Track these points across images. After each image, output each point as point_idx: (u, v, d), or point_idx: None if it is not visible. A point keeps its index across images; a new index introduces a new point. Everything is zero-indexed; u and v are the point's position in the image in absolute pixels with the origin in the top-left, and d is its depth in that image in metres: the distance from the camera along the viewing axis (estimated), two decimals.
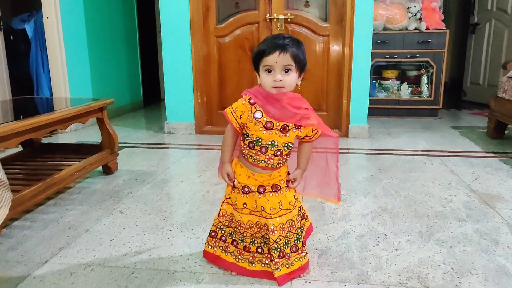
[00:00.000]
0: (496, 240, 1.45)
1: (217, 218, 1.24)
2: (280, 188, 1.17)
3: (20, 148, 2.26)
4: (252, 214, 1.17)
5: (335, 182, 1.22)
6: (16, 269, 1.30)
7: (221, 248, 1.26)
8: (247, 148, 1.13)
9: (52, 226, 1.63)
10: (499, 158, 2.53)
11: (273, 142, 1.10)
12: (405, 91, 4.04)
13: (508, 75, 2.86)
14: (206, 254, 1.30)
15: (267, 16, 3.14)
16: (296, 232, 1.19)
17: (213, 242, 1.27)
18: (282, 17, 3.11)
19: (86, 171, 2.06)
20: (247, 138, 1.13)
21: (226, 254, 1.25)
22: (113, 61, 4.21)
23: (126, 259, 1.36)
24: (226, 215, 1.22)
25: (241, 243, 1.21)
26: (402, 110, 4.04)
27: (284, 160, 1.15)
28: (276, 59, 1.04)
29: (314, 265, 1.30)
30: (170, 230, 1.59)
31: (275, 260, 1.16)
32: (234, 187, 1.18)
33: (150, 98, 5.17)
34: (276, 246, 1.15)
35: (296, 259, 1.20)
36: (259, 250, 1.21)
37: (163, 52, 3.26)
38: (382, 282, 1.20)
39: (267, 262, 1.20)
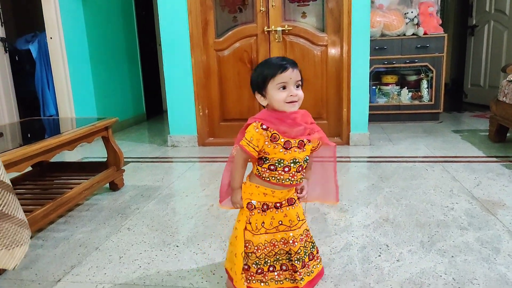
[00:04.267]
0: (497, 249, 1.48)
1: (243, 249, 1.18)
2: (295, 201, 1.20)
3: (29, 168, 2.32)
4: (268, 233, 1.18)
5: (334, 185, 1.25)
6: None
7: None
8: (268, 171, 1.13)
9: (63, 244, 1.68)
10: (501, 162, 2.55)
11: (294, 160, 1.12)
12: (405, 96, 4.07)
13: (508, 79, 2.89)
14: None
15: (265, 28, 3.19)
16: (311, 240, 1.24)
17: (248, 275, 1.21)
18: (280, 29, 3.16)
19: (94, 189, 2.11)
20: (266, 162, 1.13)
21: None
22: (116, 76, 4.28)
23: (135, 276, 1.41)
24: (246, 241, 1.19)
25: (254, 266, 1.20)
26: (403, 115, 4.07)
27: (304, 174, 1.17)
28: (291, 75, 1.08)
29: None
30: (177, 246, 1.63)
31: (299, 270, 1.19)
32: (254, 207, 1.17)
33: (153, 110, 5.24)
34: (298, 257, 1.18)
35: (314, 266, 1.24)
36: (271, 269, 1.21)
37: (164, 67, 3.32)
38: None
39: (279, 279, 1.22)
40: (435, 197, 2.01)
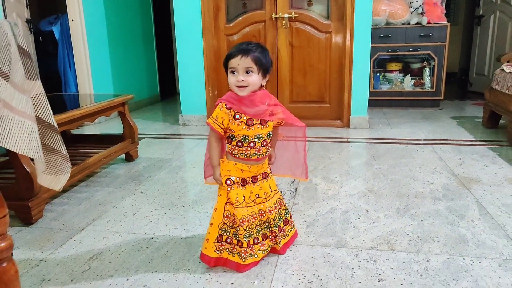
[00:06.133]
0: (463, 215, 1.68)
1: (222, 221, 1.29)
2: (268, 174, 1.37)
3: None
4: (248, 207, 1.28)
5: (303, 164, 1.41)
6: (59, 234, 1.61)
7: (227, 250, 1.31)
8: (236, 147, 1.25)
9: (85, 202, 1.93)
10: (488, 146, 2.71)
11: (258, 135, 1.24)
12: (408, 83, 4.21)
13: (501, 68, 3.02)
14: (208, 260, 1.31)
15: (273, 15, 3.37)
16: (284, 208, 1.42)
17: (220, 246, 1.30)
18: (287, 15, 3.33)
19: (111, 158, 2.36)
20: (234, 139, 1.25)
21: (233, 255, 1.30)
22: (132, 58, 4.52)
23: (147, 228, 1.65)
24: (229, 215, 1.28)
25: (245, 240, 1.28)
26: (405, 101, 4.22)
27: (269, 148, 1.33)
28: (238, 61, 1.18)
29: (302, 233, 1.56)
30: (183, 206, 1.86)
31: (278, 235, 1.37)
32: (233, 183, 1.27)
33: (167, 92, 5.48)
34: (275, 223, 1.36)
35: (289, 230, 1.43)
36: (255, 241, 1.31)
37: (177, 50, 3.53)
38: (356, 246, 1.45)
39: (264, 248, 1.34)
40: (419, 174, 2.20)
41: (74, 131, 2.96)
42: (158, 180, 2.24)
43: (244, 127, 1.23)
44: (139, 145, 2.68)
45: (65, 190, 2.08)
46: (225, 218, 1.29)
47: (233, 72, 1.21)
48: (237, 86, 1.21)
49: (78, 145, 2.57)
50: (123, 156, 2.57)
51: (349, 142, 3.00)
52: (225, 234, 1.30)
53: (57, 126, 0.84)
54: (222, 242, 1.30)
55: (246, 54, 1.19)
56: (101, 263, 1.39)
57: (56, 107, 2.39)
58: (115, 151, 2.38)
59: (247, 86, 1.20)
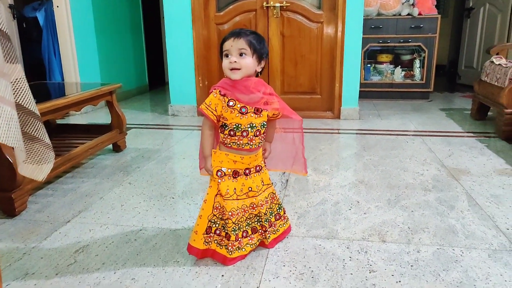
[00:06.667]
0: (453, 206, 1.68)
1: (211, 212, 1.27)
2: (261, 168, 1.33)
3: None
4: (239, 199, 1.26)
5: (301, 158, 1.38)
6: (44, 226, 1.56)
7: (215, 241, 1.29)
8: (229, 137, 1.22)
9: (71, 194, 1.89)
10: (476, 137, 2.73)
11: (251, 124, 1.21)
12: (399, 74, 4.21)
13: (490, 60, 3.03)
14: (196, 252, 1.29)
15: (264, 4, 3.32)
16: (277, 202, 1.39)
17: (208, 238, 1.28)
18: (278, 5, 3.29)
19: (98, 148, 2.31)
20: (226, 128, 1.22)
21: (221, 247, 1.28)
22: (120, 47, 4.42)
23: (135, 220, 1.62)
24: (219, 207, 1.26)
25: (233, 234, 1.26)
26: (395, 93, 4.22)
27: (262, 139, 1.28)
28: (231, 43, 1.17)
29: (293, 225, 1.54)
30: (173, 198, 1.83)
31: (268, 229, 1.34)
32: (224, 174, 1.24)
33: (155, 82, 5.39)
34: (266, 218, 1.33)
35: (280, 225, 1.40)
36: (244, 234, 1.29)
37: (166, 39, 3.46)
38: (347, 238, 1.44)
39: (253, 242, 1.32)
40: (409, 165, 2.21)
41: (59, 121, 2.89)
42: (147, 171, 2.20)
43: (237, 114, 1.20)
44: (127, 135, 2.63)
45: (49, 181, 2.03)
46: (215, 210, 1.27)
47: (227, 55, 1.19)
48: (230, 69, 1.19)
49: (64, 135, 2.51)
50: (110, 146, 2.52)
51: (339, 133, 2.99)
52: (214, 225, 1.29)
53: (38, 113, 0.80)
54: (211, 234, 1.29)
55: (239, 36, 1.18)
56: (87, 256, 1.36)
57: (41, 95, 2.32)
58: (102, 142, 2.33)
59: (240, 69, 1.18)
